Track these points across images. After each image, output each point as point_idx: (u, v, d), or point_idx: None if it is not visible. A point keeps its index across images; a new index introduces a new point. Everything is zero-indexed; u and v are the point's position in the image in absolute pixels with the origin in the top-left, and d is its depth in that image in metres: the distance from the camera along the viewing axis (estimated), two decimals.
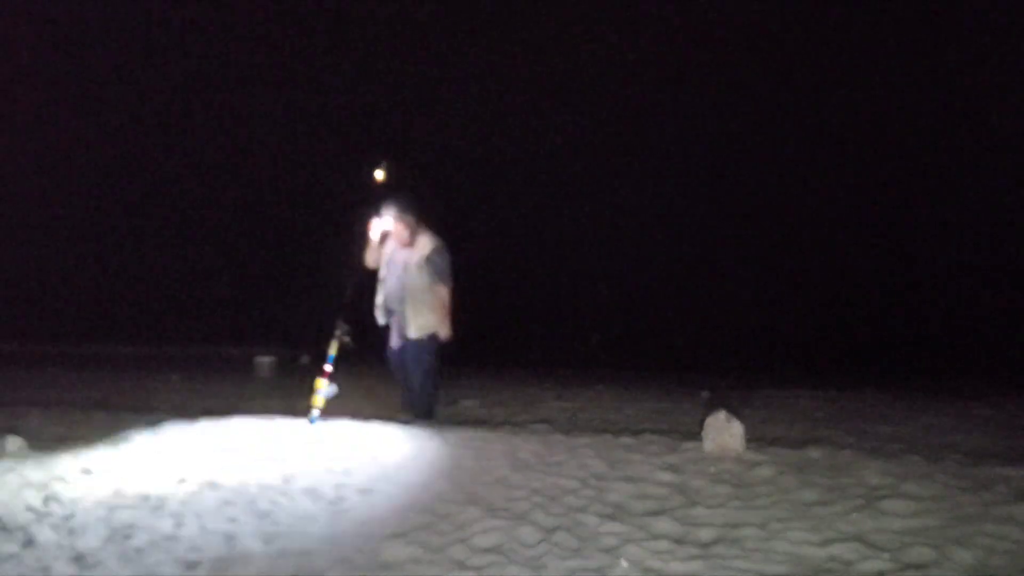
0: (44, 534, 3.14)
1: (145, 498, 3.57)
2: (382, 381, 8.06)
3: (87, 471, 3.92)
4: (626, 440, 4.80)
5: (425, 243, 5.15)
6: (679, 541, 3.12)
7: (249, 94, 20.75)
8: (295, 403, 6.66)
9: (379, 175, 4.90)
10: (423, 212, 5.28)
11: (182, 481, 3.83)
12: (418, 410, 5.33)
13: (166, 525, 3.27)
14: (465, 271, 5.52)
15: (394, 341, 5.26)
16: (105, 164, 19.79)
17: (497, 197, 19.01)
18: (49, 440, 4.71)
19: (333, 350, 4.99)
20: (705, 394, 7.54)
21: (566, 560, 2.95)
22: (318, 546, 3.13)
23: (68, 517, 3.30)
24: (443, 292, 5.19)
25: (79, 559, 2.95)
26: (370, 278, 5.32)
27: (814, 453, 4.34)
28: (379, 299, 5.27)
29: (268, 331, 13.57)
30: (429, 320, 5.15)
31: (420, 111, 20.45)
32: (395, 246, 5.19)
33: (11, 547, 2.99)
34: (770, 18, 20.15)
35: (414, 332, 5.14)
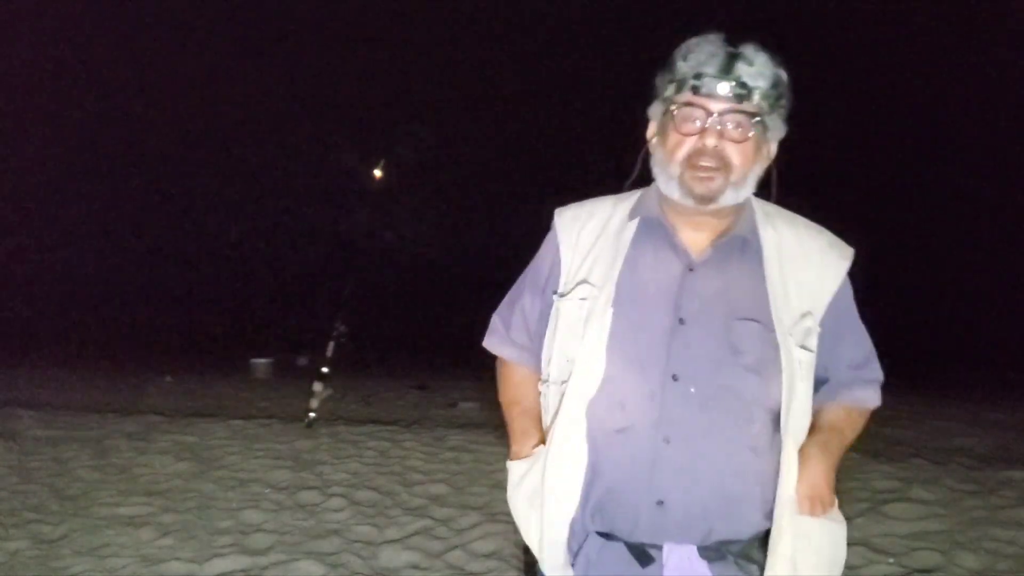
0: None
1: None
2: (381, 383, 7.97)
3: None
4: None
5: (825, 238, 1.33)
6: None
7: (247, 94, 20.76)
8: (290, 405, 6.61)
9: (377, 173, 4.84)
10: None
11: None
12: None
13: None
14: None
15: None
16: (105, 164, 19.81)
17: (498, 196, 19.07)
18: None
19: (330, 351, 4.94)
20: None
21: None
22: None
23: None
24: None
25: None
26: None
27: None
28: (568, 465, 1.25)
29: (266, 332, 13.51)
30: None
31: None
32: (641, 248, 1.28)
33: None
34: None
35: None
